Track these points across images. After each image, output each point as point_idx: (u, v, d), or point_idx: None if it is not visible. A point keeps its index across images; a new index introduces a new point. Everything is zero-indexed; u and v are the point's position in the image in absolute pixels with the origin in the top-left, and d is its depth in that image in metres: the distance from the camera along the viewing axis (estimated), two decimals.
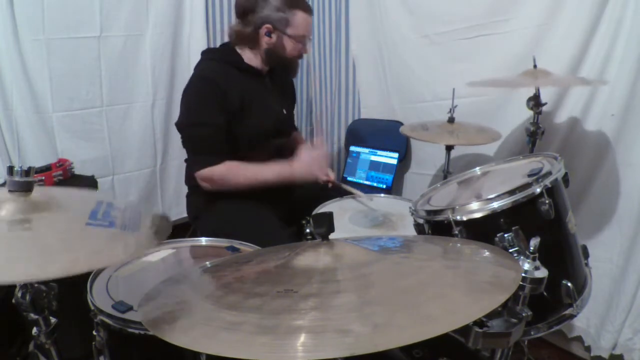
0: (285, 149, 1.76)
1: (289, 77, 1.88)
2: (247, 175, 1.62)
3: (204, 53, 1.76)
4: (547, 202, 1.02)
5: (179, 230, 1.83)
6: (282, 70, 1.79)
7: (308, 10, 1.67)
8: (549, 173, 1.08)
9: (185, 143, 1.68)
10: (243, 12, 1.65)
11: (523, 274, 0.76)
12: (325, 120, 2.78)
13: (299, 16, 1.64)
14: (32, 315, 0.81)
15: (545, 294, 0.80)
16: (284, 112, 1.81)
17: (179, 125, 1.67)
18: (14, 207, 0.76)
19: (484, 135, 1.81)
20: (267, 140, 1.71)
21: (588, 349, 1.77)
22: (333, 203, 1.72)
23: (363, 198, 1.76)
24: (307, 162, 1.66)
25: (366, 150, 2.51)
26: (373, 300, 0.64)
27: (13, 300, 0.80)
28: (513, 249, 0.95)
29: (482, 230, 1.05)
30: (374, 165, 2.47)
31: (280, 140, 1.77)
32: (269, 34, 1.64)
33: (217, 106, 1.57)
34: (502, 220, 1.03)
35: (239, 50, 1.70)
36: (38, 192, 0.80)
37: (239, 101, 1.61)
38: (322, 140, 1.81)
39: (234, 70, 1.65)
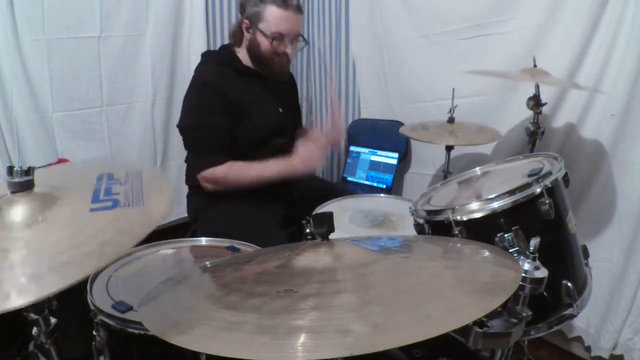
0: (285, 149, 1.76)
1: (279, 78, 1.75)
2: (249, 175, 1.61)
3: (203, 56, 1.76)
4: (547, 202, 1.02)
5: (179, 230, 1.83)
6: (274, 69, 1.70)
7: (283, 5, 1.54)
8: (549, 173, 1.08)
9: (188, 145, 1.68)
10: (240, 8, 1.65)
11: (523, 274, 0.76)
12: (325, 120, 2.78)
13: (270, 10, 1.53)
14: (32, 315, 0.81)
15: (545, 294, 0.80)
16: (280, 110, 1.77)
17: (181, 127, 1.67)
18: (23, 209, 0.75)
19: (483, 135, 1.81)
20: (266, 141, 1.70)
21: (588, 349, 1.77)
22: (333, 203, 1.71)
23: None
24: (306, 157, 1.64)
25: (366, 150, 2.51)
26: (373, 300, 0.64)
27: None
28: (513, 249, 0.95)
29: (482, 230, 1.05)
30: (374, 165, 2.47)
31: (279, 140, 1.76)
32: (248, 29, 1.61)
33: (218, 108, 1.57)
34: (502, 220, 1.03)
35: (237, 51, 1.69)
36: (38, 186, 0.79)
37: (239, 103, 1.60)
38: (319, 134, 1.80)
39: (231, 73, 1.64)
